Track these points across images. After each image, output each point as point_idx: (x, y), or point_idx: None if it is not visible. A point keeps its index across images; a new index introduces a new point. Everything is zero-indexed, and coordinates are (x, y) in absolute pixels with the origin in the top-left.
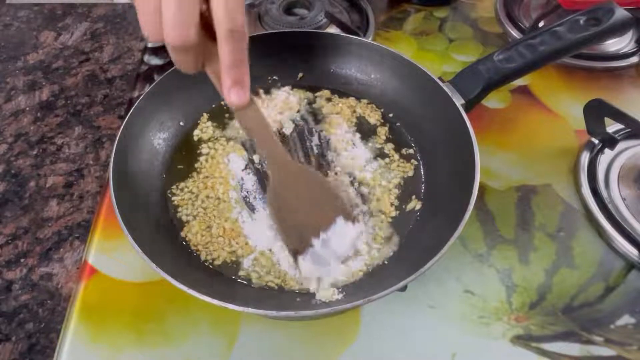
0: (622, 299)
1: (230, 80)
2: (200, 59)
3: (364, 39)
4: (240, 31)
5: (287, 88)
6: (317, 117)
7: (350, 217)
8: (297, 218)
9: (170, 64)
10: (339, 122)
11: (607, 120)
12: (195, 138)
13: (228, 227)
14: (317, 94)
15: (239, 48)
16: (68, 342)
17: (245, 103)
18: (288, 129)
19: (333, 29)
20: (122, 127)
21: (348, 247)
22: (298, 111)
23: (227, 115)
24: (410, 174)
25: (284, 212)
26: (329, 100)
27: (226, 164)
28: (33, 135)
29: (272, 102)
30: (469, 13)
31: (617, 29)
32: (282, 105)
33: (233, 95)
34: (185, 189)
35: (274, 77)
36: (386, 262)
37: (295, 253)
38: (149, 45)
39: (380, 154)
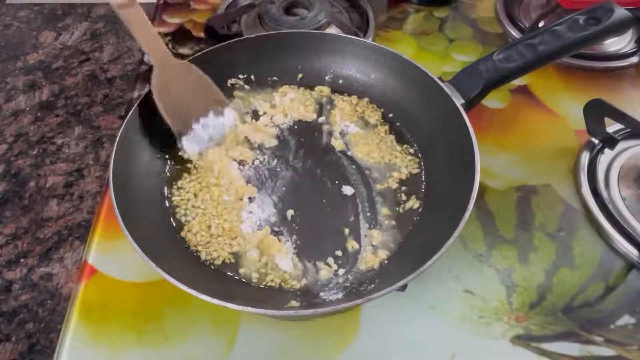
0: (622, 299)
1: None
2: None
3: (364, 39)
4: None
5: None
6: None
7: (222, 107)
8: (179, 104)
9: None
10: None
11: (607, 120)
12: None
13: (227, 226)
14: (318, 92)
15: None
16: (68, 342)
17: (126, 1)
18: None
19: (333, 29)
20: (122, 127)
21: (223, 130)
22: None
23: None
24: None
25: (167, 99)
26: (329, 99)
27: (225, 164)
28: (33, 135)
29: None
30: (469, 13)
31: (617, 29)
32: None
33: None
34: (185, 189)
35: (274, 78)
36: (386, 262)
37: (180, 134)
38: None
39: None
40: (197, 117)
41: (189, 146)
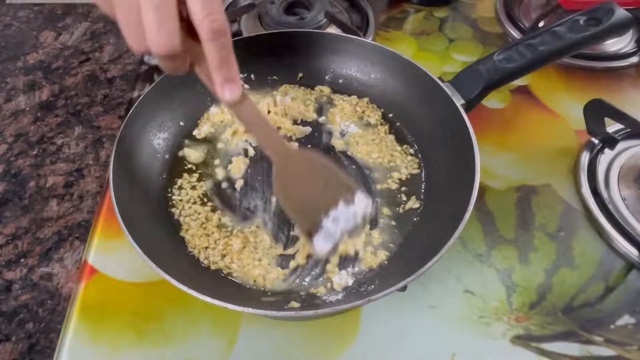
0: (622, 299)
1: (221, 77)
2: (187, 61)
3: (364, 39)
4: (222, 29)
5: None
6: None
7: (352, 194)
8: (305, 201)
9: None
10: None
11: (607, 120)
12: (195, 138)
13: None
14: (318, 92)
15: (224, 45)
16: (68, 342)
17: (239, 98)
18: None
19: (333, 29)
20: (122, 127)
21: (356, 220)
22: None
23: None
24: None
25: (292, 197)
26: (329, 99)
27: (225, 164)
28: (33, 135)
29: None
30: (469, 13)
31: (617, 29)
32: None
33: (226, 91)
34: (185, 189)
35: (274, 77)
36: (386, 262)
37: (309, 234)
38: None
39: None
40: (326, 211)
41: (320, 245)
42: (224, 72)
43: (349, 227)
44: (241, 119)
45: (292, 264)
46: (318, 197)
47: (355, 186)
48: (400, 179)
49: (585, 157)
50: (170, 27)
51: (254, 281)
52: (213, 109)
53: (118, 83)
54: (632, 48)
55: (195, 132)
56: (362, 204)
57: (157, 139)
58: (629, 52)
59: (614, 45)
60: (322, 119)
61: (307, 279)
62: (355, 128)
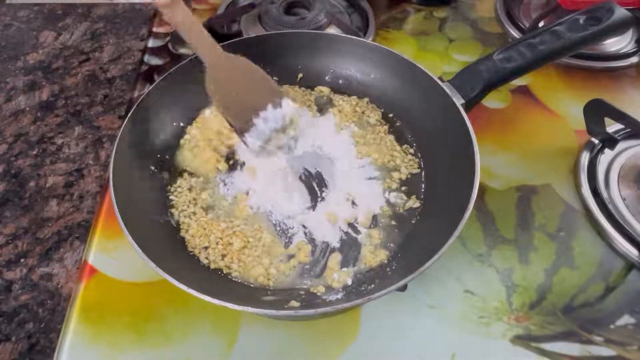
0: (622, 299)
1: None
2: None
3: (364, 39)
4: None
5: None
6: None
7: (280, 99)
8: (236, 101)
9: (170, 64)
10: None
11: (607, 120)
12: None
13: (225, 226)
14: (317, 92)
15: None
16: (68, 342)
17: (168, 1)
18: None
19: (333, 29)
20: (122, 127)
21: (284, 121)
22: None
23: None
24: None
25: (223, 96)
26: (329, 99)
27: (225, 163)
28: (33, 135)
29: None
30: (469, 13)
31: (617, 29)
32: None
33: None
34: (185, 190)
35: (274, 78)
36: (386, 262)
37: (242, 131)
38: (149, 45)
39: None
40: (256, 112)
41: (252, 142)
42: None
43: (278, 126)
44: (176, 24)
45: (292, 263)
46: (248, 98)
47: (284, 92)
48: (400, 179)
49: (585, 157)
50: None
51: (254, 281)
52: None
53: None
54: (632, 48)
55: (193, 132)
56: (289, 107)
57: (157, 139)
58: (629, 52)
59: (614, 45)
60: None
61: (307, 279)
62: (355, 128)
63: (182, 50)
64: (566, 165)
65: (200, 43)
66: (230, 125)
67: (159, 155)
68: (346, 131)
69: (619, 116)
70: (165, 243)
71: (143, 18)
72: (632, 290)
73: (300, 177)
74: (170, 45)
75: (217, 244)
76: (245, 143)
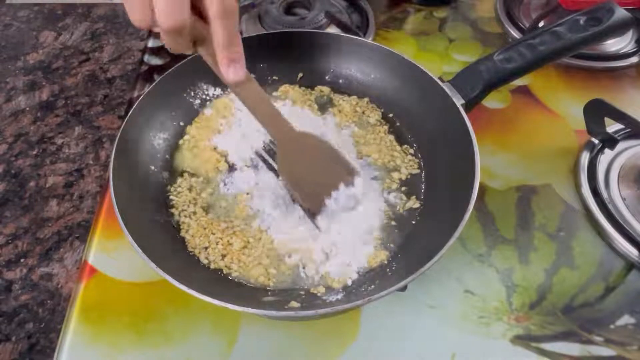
0: (622, 299)
1: (226, 58)
2: (192, 40)
3: (364, 39)
4: (232, 8)
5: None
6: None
7: (352, 177)
8: (308, 181)
9: (170, 64)
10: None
11: (607, 120)
12: (193, 137)
13: (225, 226)
14: (318, 92)
15: (231, 25)
16: (68, 342)
17: (243, 79)
18: None
19: (333, 29)
20: (122, 127)
21: (356, 201)
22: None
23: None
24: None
25: (295, 177)
26: (329, 99)
27: (225, 163)
28: (33, 135)
29: None
30: (469, 13)
31: (617, 29)
32: None
33: (231, 72)
34: (185, 190)
35: (274, 77)
36: (386, 262)
37: (314, 214)
38: (149, 45)
39: None
40: (328, 192)
41: (323, 224)
42: (229, 53)
43: (350, 207)
44: (244, 100)
45: (293, 263)
46: (320, 177)
47: (357, 169)
48: (400, 179)
49: (585, 157)
50: (180, 1)
51: (254, 281)
52: (207, 111)
53: (118, 83)
54: (632, 48)
55: (192, 132)
56: (361, 186)
57: (157, 139)
58: (629, 52)
59: (614, 45)
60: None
61: (307, 279)
62: (355, 128)
63: None
64: (566, 165)
65: (270, 120)
66: (301, 207)
67: (159, 155)
68: (346, 131)
69: (619, 116)
70: (165, 243)
71: None
72: (632, 290)
73: None
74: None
75: (217, 244)
76: (316, 226)
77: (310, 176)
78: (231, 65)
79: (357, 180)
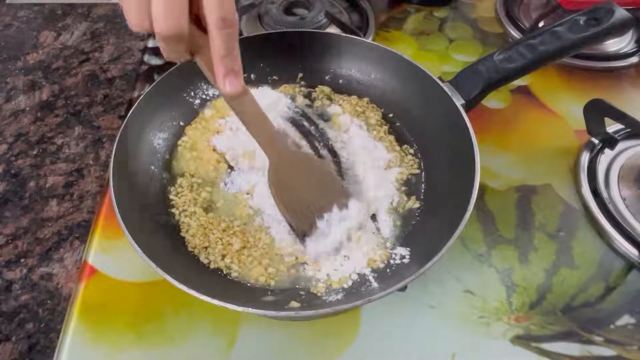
0: (622, 299)
1: (224, 69)
2: (189, 49)
3: (364, 39)
4: (230, 19)
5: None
6: (323, 117)
7: (347, 200)
8: (299, 201)
9: (170, 64)
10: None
11: (607, 120)
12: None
13: (225, 226)
14: (317, 92)
15: (231, 36)
16: (68, 342)
17: (240, 91)
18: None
19: (333, 29)
20: (122, 127)
21: (350, 225)
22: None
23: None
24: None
25: (286, 196)
26: (329, 98)
27: (224, 163)
28: (33, 135)
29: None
30: (469, 13)
31: (617, 29)
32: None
33: (227, 84)
34: (185, 189)
35: (274, 77)
36: (386, 262)
37: (304, 235)
38: (149, 45)
39: None
40: (320, 214)
41: (313, 249)
42: (227, 64)
43: (342, 231)
44: (239, 113)
45: (292, 263)
46: (312, 198)
47: (351, 193)
48: (400, 179)
49: (585, 157)
50: (179, 8)
51: (254, 281)
52: (207, 111)
53: (118, 83)
54: (632, 48)
55: (191, 132)
56: (356, 210)
57: (157, 139)
58: (629, 52)
59: (614, 45)
60: (327, 119)
61: (307, 279)
62: (356, 128)
63: None
64: (566, 165)
65: (263, 135)
66: (291, 227)
67: (158, 155)
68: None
69: (619, 116)
70: (165, 243)
71: None
72: (632, 290)
73: None
74: None
75: (217, 244)
76: (304, 249)
77: (302, 196)
78: (228, 77)
79: (352, 203)
